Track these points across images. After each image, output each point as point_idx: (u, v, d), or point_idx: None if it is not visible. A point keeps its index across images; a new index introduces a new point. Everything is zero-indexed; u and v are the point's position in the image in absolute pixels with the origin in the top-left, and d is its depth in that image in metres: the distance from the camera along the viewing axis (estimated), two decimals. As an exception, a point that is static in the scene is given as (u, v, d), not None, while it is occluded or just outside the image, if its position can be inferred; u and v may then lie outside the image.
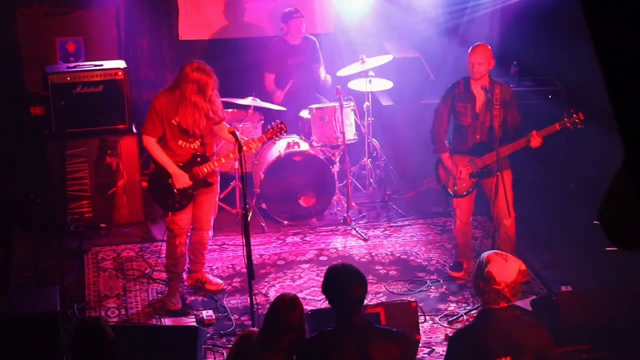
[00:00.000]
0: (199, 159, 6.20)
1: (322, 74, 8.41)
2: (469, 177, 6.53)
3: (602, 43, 1.52)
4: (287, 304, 4.21)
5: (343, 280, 4.13)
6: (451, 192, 6.68)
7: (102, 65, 7.73)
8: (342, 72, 8.04)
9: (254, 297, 5.66)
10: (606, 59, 1.52)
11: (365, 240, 7.47)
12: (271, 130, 6.42)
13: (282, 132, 6.42)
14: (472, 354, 4.19)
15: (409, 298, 6.09)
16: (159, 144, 6.15)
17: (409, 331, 5.29)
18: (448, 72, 8.17)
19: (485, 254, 4.34)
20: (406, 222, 7.85)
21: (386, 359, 4.07)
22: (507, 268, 4.20)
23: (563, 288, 6.30)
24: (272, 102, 8.03)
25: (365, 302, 6.22)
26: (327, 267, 6.85)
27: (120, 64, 7.80)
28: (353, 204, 7.87)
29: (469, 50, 6.40)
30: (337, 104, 7.72)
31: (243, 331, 4.90)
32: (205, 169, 6.20)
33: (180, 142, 6.14)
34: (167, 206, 6.26)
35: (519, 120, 6.49)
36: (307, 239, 7.53)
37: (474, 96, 6.44)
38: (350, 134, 7.88)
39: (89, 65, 7.78)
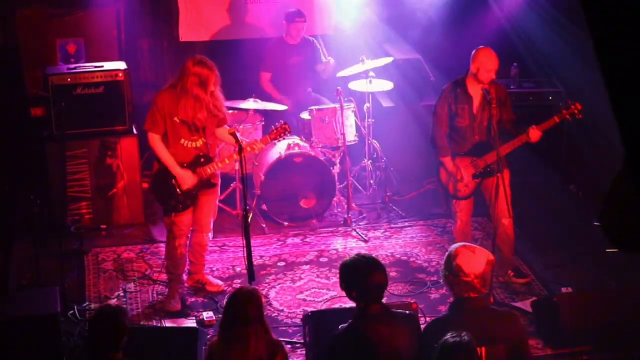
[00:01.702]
0: (202, 160, 6.18)
1: (324, 60, 8.31)
2: (471, 178, 6.51)
3: (602, 43, 1.52)
4: (244, 296, 4.17)
5: (362, 271, 4.15)
6: (456, 195, 6.63)
7: (102, 66, 7.74)
8: (342, 73, 8.04)
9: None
10: (606, 59, 1.52)
11: (365, 241, 7.46)
12: (275, 130, 6.39)
13: (286, 132, 6.39)
14: None
15: (409, 299, 6.08)
16: (163, 143, 6.14)
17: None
18: (448, 73, 8.16)
19: (452, 247, 4.37)
20: (406, 224, 7.84)
21: (409, 341, 4.20)
22: (475, 260, 4.23)
23: (563, 289, 6.30)
24: (271, 101, 8.02)
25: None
26: (327, 268, 6.95)
27: (121, 65, 7.80)
28: (353, 205, 7.86)
29: (483, 54, 6.29)
30: (337, 105, 7.71)
31: (207, 342, 4.93)
32: (209, 170, 6.18)
33: (182, 140, 6.11)
34: (170, 207, 6.24)
35: (515, 119, 6.46)
36: (308, 240, 7.52)
37: (470, 97, 6.42)
38: (351, 135, 7.88)
39: (89, 66, 7.79)
